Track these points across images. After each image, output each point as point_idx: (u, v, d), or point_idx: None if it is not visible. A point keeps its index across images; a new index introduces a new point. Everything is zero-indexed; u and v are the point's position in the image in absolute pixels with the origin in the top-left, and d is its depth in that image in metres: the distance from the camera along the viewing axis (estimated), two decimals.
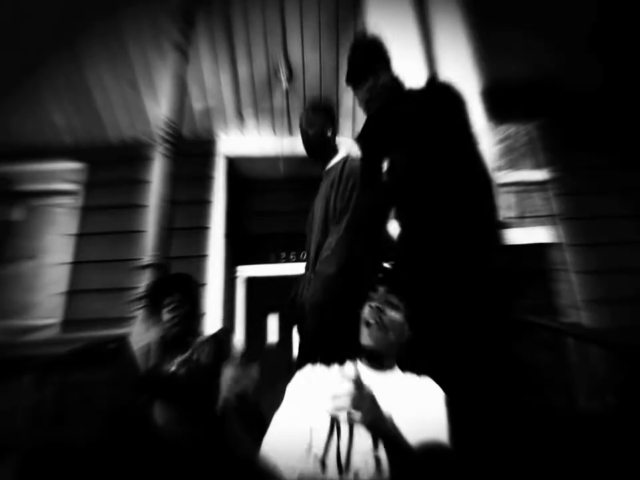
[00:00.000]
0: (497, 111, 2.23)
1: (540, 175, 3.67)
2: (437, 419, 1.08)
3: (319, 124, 2.04)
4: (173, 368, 1.64)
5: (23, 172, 3.73)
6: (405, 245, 1.58)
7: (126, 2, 2.94)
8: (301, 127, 2.12)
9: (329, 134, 2.03)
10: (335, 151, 2.02)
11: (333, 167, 1.94)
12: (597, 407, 2.23)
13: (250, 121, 3.82)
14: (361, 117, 3.72)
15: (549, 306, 3.36)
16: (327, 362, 1.25)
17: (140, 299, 2.12)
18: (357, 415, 0.92)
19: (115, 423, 1.63)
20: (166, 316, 1.71)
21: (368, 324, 1.17)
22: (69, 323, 3.25)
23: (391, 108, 1.64)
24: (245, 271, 3.88)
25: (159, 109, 3.18)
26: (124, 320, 2.46)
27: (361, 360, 1.20)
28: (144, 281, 2.17)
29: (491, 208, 1.51)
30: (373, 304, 1.19)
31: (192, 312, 1.78)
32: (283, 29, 3.19)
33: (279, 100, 3.64)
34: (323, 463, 0.97)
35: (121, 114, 3.61)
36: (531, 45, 3.20)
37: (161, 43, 3.09)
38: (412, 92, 1.67)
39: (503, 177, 3.47)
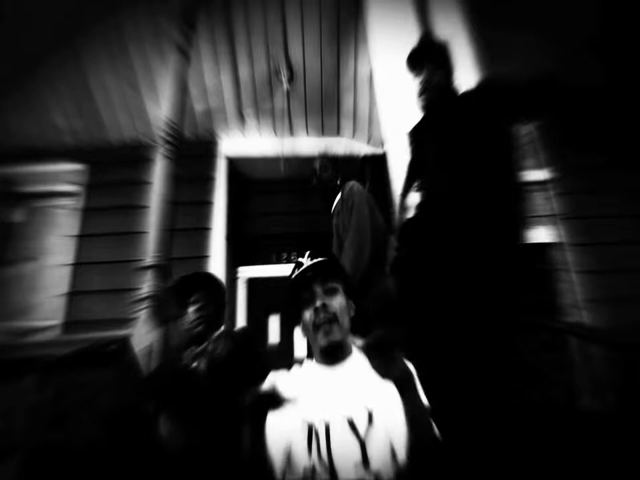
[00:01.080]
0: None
1: (541, 174, 3.66)
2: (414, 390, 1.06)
3: (331, 170, 2.35)
4: (193, 363, 1.63)
5: (24, 173, 3.73)
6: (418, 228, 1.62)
7: (127, 3, 2.94)
8: (316, 175, 2.31)
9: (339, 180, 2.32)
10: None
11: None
12: (599, 405, 2.23)
13: (251, 122, 3.82)
14: (361, 118, 3.74)
15: (551, 306, 3.35)
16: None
17: (143, 299, 2.13)
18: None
19: (116, 425, 1.63)
20: (191, 315, 1.70)
21: (317, 326, 1.15)
22: (71, 324, 3.25)
23: (440, 107, 1.76)
24: (246, 272, 3.88)
25: (160, 110, 3.19)
26: (125, 321, 2.47)
27: (322, 360, 1.19)
28: (145, 282, 2.17)
29: (517, 207, 1.54)
30: (317, 304, 1.16)
31: (217, 311, 1.77)
32: (284, 30, 3.20)
33: (279, 101, 3.64)
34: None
35: (122, 115, 3.61)
36: (531, 45, 3.20)
37: (161, 44, 3.10)
38: (462, 96, 1.78)
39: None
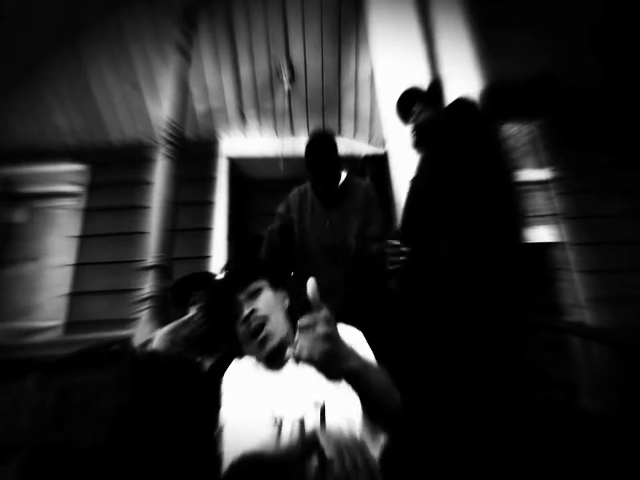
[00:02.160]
0: (498, 110, 2.23)
1: (542, 174, 3.66)
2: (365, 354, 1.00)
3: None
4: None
5: (25, 174, 3.73)
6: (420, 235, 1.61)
7: (127, 3, 2.94)
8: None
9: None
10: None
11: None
12: (600, 405, 2.23)
13: (252, 122, 3.82)
14: (362, 118, 3.74)
15: (552, 305, 3.35)
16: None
17: (145, 300, 2.12)
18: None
19: (118, 425, 1.63)
20: (195, 312, 1.68)
21: (251, 336, 1.08)
22: (72, 324, 3.25)
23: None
24: None
25: (161, 110, 3.18)
26: (127, 322, 2.46)
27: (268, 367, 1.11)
28: (147, 283, 2.16)
29: (512, 207, 1.54)
30: (243, 315, 1.10)
31: (217, 312, 1.76)
32: (285, 30, 3.20)
33: (280, 101, 3.64)
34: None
35: (123, 115, 3.61)
36: (532, 44, 3.19)
37: (162, 44, 3.10)
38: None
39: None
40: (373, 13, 2.64)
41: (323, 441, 0.79)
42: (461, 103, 1.76)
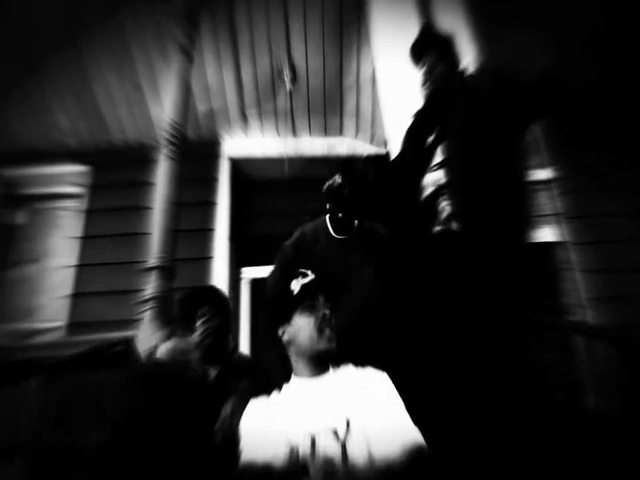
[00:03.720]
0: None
1: (544, 173, 3.65)
2: (395, 405, 1.11)
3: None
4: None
5: (27, 175, 3.73)
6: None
7: (129, 3, 2.95)
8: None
9: None
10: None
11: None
12: (603, 404, 2.23)
13: (254, 123, 3.82)
14: (363, 118, 3.74)
15: (555, 305, 3.34)
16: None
17: (147, 300, 2.13)
18: None
19: (122, 426, 1.63)
20: (199, 327, 1.72)
21: (322, 331, 1.19)
22: (74, 325, 3.25)
23: (444, 95, 1.72)
24: (250, 273, 3.88)
25: (163, 111, 3.19)
26: (129, 322, 2.46)
27: (317, 370, 1.21)
28: (149, 283, 2.17)
29: (525, 207, 1.52)
30: (322, 312, 1.21)
31: (224, 323, 1.79)
32: (287, 30, 3.20)
33: (282, 101, 3.64)
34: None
35: (125, 116, 3.62)
36: (533, 43, 3.19)
37: (164, 45, 3.11)
38: (468, 82, 1.75)
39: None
40: (375, 13, 2.64)
41: (311, 468, 0.96)
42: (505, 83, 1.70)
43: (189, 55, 2.66)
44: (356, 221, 2.13)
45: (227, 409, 1.44)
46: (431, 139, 1.71)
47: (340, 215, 2.06)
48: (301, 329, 1.20)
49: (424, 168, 1.72)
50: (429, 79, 1.75)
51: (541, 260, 3.49)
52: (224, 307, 1.86)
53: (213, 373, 1.66)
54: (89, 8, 2.96)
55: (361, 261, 2.02)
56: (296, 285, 1.27)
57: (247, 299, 3.80)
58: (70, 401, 1.99)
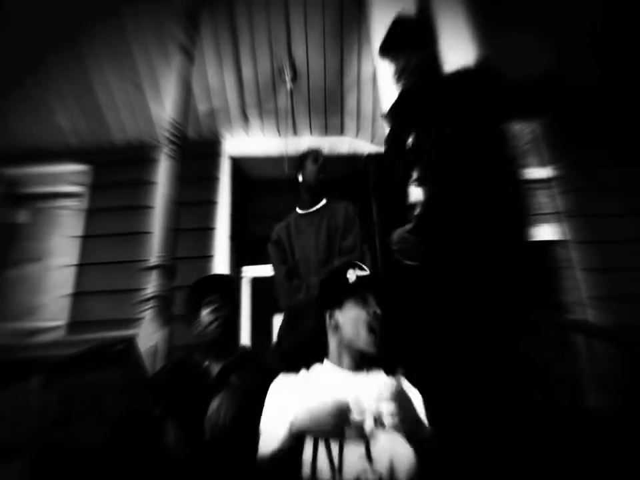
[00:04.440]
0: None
1: (544, 172, 3.65)
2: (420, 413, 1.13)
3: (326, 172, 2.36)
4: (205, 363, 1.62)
5: (28, 174, 3.74)
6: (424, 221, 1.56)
7: (129, 3, 2.95)
8: (317, 162, 2.29)
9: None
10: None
11: (324, 207, 2.33)
12: (603, 402, 2.23)
13: (254, 122, 3.82)
14: (364, 117, 3.74)
15: (556, 303, 3.35)
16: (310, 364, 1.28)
17: (148, 300, 2.13)
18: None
19: (123, 425, 1.63)
20: (206, 317, 1.67)
21: (372, 330, 1.19)
22: (76, 324, 3.26)
23: (421, 89, 1.63)
24: (251, 272, 3.88)
25: (164, 110, 3.20)
26: (130, 321, 2.46)
27: (358, 365, 1.22)
28: (150, 282, 2.17)
29: (517, 202, 1.51)
30: (374, 310, 1.22)
31: (231, 313, 1.75)
32: (288, 30, 3.20)
33: (283, 100, 3.64)
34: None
35: (126, 115, 3.62)
36: (533, 44, 3.19)
37: (165, 44, 3.11)
38: (447, 75, 1.66)
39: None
40: (375, 12, 2.64)
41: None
42: (489, 74, 1.63)
43: (189, 54, 2.66)
44: (323, 200, 2.34)
45: (213, 404, 1.41)
46: (410, 140, 1.60)
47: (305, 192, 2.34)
48: (352, 319, 1.20)
49: (407, 172, 1.66)
50: (403, 73, 1.66)
51: (542, 258, 3.49)
52: (232, 298, 1.81)
53: (216, 367, 1.61)
54: (89, 8, 2.96)
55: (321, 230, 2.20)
56: (352, 275, 1.27)
57: (248, 297, 3.80)
58: (71, 400, 1.99)
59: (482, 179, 1.46)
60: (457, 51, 2.30)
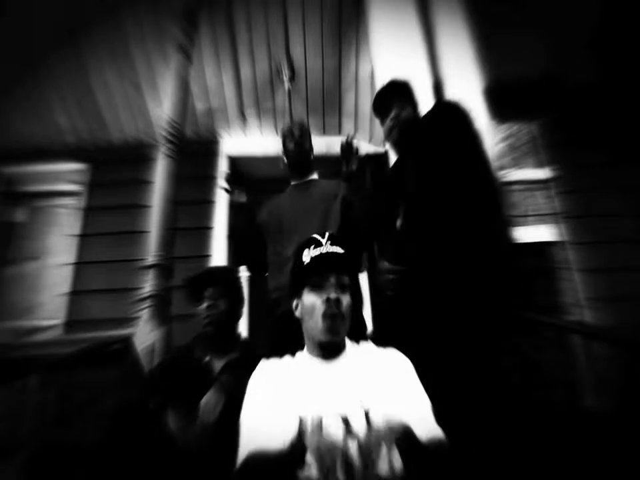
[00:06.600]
0: (499, 109, 2.24)
1: (542, 173, 3.66)
2: (414, 385, 1.06)
3: (310, 139, 2.25)
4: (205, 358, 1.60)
5: (26, 173, 3.74)
6: (410, 242, 1.61)
7: (129, 3, 2.95)
8: (294, 138, 2.21)
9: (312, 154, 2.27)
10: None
11: (317, 181, 2.21)
12: (600, 404, 2.23)
13: (252, 121, 3.83)
14: (362, 117, 3.74)
15: (553, 304, 3.35)
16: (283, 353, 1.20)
17: (145, 298, 2.13)
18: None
19: (120, 424, 1.63)
20: (202, 311, 1.62)
21: (327, 317, 1.06)
22: (73, 323, 3.26)
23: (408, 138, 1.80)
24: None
25: (162, 109, 3.19)
26: (128, 320, 2.46)
27: (324, 355, 1.12)
28: (147, 281, 2.17)
29: (497, 207, 1.54)
30: (330, 295, 1.07)
31: (231, 308, 1.69)
32: (286, 29, 3.20)
33: (281, 100, 3.64)
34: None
35: (124, 114, 3.61)
36: (532, 44, 3.20)
37: (163, 44, 3.11)
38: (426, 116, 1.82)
39: (505, 175, 3.49)
40: (374, 12, 2.64)
41: (309, 446, 0.89)
42: (446, 104, 1.83)
43: (187, 54, 2.66)
44: (315, 174, 2.26)
45: (203, 401, 1.40)
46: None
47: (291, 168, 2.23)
48: (308, 308, 1.09)
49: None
50: (395, 125, 1.81)
51: (539, 259, 3.49)
52: (233, 290, 1.75)
53: (217, 363, 1.57)
54: (89, 8, 2.96)
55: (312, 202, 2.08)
56: (306, 257, 1.14)
57: (246, 297, 3.79)
58: (69, 399, 2.00)
59: (458, 184, 1.53)
60: (456, 51, 2.30)
